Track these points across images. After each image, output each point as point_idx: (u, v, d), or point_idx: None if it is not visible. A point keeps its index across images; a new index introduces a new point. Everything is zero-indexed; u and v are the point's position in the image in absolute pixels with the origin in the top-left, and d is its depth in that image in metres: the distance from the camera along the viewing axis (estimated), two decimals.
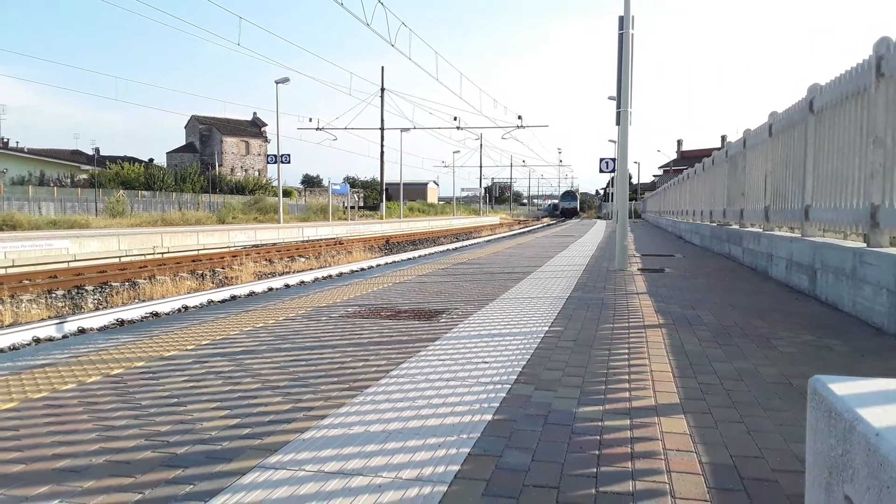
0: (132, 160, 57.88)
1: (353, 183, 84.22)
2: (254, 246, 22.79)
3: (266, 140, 77.94)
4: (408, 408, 2.79)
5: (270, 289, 12.61)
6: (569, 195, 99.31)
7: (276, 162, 35.59)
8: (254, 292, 12.05)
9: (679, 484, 2.04)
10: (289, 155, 35.40)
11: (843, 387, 1.23)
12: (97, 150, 63.28)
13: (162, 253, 19.26)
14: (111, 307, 10.59)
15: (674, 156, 76.20)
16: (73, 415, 2.73)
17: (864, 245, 5.16)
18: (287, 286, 13.08)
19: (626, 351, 3.91)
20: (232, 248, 21.64)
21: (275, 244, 24.19)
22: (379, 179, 51.26)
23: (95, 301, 11.78)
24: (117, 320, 8.96)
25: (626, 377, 3.31)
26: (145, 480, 2.07)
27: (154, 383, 3.22)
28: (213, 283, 14.31)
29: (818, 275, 6.12)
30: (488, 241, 29.39)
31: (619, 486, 2.03)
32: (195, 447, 2.35)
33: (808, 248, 6.47)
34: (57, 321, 8.25)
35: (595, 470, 2.14)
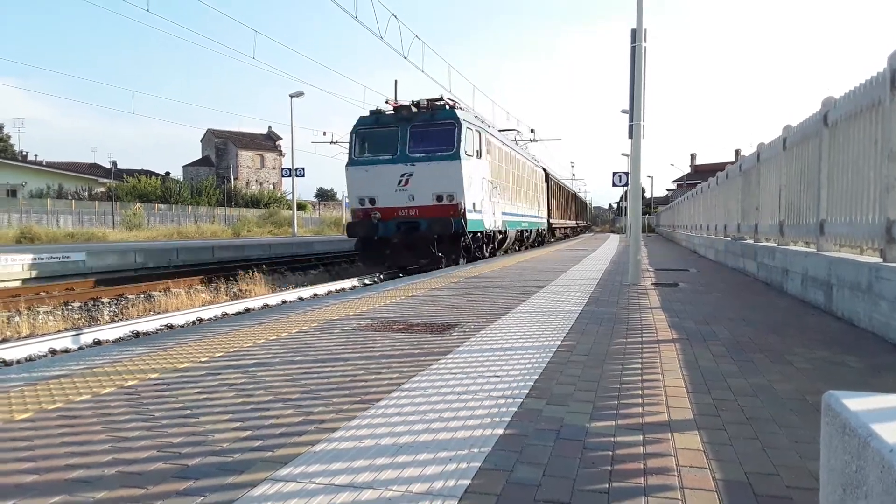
0: (149, 173, 58.63)
1: None
2: (268, 258, 22.90)
3: (281, 153, 78.63)
4: (419, 421, 2.79)
5: (284, 301, 12.65)
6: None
7: (290, 175, 35.87)
8: (267, 305, 12.09)
9: (692, 500, 2.02)
10: (303, 168, 35.68)
11: (858, 402, 1.22)
12: (115, 163, 64.24)
13: (177, 266, 19.40)
14: (126, 319, 10.67)
15: (687, 170, 75.97)
16: (86, 426, 2.75)
17: (881, 260, 5.10)
18: (301, 299, 13.11)
19: (640, 366, 3.88)
20: (247, 261, 21.76)
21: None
22: None
23: (111, 313, 11.88)
24: (132, 332, 9.02)
25: (640, 392, 3.28)
26: (157, 491, 2.08)
27: (167, 395, 3.24)
28: (227, 295, 14.39)
29: (834, 290, 6.06)
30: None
31: (631, 502, 2.01)
32: (207, 459, 2.36)
33: (824, 263, 6.41)
34: (73, 333, 8.32)
35: (607, 485, 2.13)
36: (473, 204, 15.87)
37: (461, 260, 15.58)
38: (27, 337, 8.78)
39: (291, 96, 34.25)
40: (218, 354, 4.23)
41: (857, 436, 1.11)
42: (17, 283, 14.42)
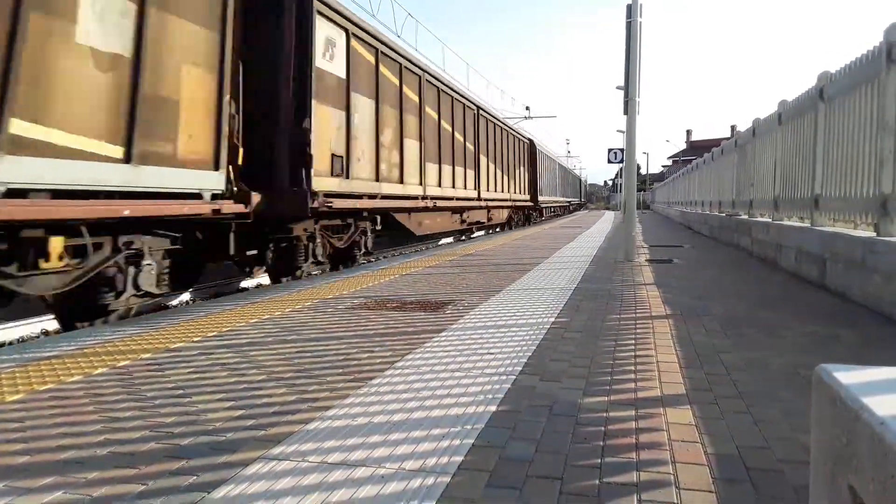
0: None
1: None
2: None
3: None
4: (412, 399, 2.78)
5: (278, 280, 12.63)
6: None
7: None
8: (261, 284, 12.08)
9: (684, 475, 2.03)
10: None
11: (849, 375, 1.21)
12: None
13: None
14: None
15: (683, 146, 75.88)
16: (78, 406, 2.74)
17: (875, 234, 5.11)
18: (294, 277, 13.09)
19: (633, 342, 3.89)
20: None
21: None
22: None
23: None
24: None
25: (633, 368, 3.29)
26: (149, 471, 2.07)
27: (160, 375, 3.23)
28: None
29: (827, 265, 6.07)
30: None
31: (623, 476, 2.01)
32: (199, 438, 2.36)
33: (818, 238, 6.41)
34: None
35: (599, 461, 2.13)
36: None
37: None
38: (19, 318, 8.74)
39: None
40: (211, 334, 4.22)
41: (848, 409, 1.10)
42: None
